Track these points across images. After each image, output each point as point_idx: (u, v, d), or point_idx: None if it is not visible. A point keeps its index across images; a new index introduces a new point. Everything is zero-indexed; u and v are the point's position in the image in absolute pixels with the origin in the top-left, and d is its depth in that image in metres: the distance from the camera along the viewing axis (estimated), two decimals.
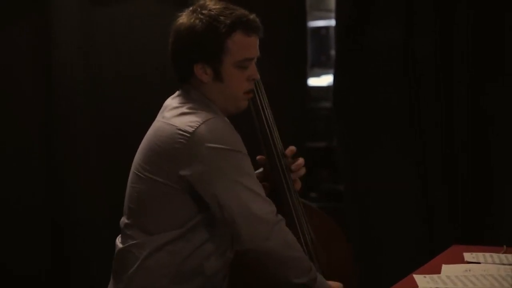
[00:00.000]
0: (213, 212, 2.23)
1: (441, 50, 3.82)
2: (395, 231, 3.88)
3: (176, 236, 2.25)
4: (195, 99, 2.28)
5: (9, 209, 3.89)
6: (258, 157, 2.53)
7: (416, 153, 3.89)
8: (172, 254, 2.26)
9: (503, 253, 2.48)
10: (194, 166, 2.18)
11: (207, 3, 2.28)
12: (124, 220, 2.35)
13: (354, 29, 3.98)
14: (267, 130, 2.48)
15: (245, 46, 2.26)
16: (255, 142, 2.48)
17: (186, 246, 2.25)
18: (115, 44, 4.00)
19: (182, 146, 2.19)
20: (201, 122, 2.20)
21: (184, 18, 2.28)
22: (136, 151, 2.35)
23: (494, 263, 2.39)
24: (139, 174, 2.29)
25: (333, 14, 4.26)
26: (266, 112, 2.49)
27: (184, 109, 2.26)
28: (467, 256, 2.45)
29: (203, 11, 2.25)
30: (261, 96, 2.49)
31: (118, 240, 2.37)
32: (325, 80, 5.11)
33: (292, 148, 2.51)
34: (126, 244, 2.31)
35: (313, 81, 5.11)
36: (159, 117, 2.33)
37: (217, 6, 2.26)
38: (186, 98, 2.30)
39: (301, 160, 2.51)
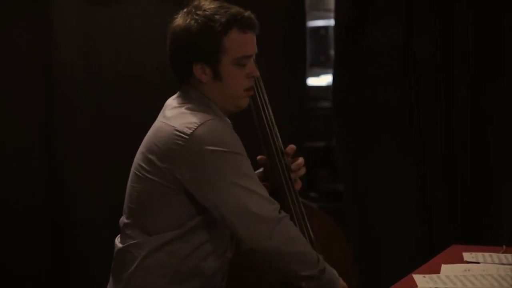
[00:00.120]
0: (212, 215, 2.23)
1: (441, 50, 3.82)
2: (394, 231, 3.88)
3: (174, 236, 2.25)
4: (195, 99, 2.29)
5: (9, 209, 3.89)
6: (259, 157, 2.53)
7: (416, 153, 3.89)
8: (170, 254, 2.26)
9: (502, 253, 2.48)
10: (191, 168, 2.18)
11: (202, 3, 2.28)
12: (123, 219, 2.36)
13: (354, 29, 3.98)
14: (267, 129, 2.47)
15: (242, 43, 2.26)
16: (255, 142, 2.48)
17: (185, 246, 2.25)
18: (115, 44, 4.00)
19: (179, 148, 2.19)
20: (200, 123, 2.19)
21: (179, 19, 2.28)
22: (136, 151, 2.35)
23: (493, 263, 2.39)
24: (138, 174, 2.29)
25: (332, 14, 4.25)
26: (266, 111, 2.49)
27: (183, 110, 2.26)
28: (467, 256, 2.45)
29: (198, 12, 2.25)
30: (261, 95, 2.48)
31: (117, 240, 2.37)
32: (324, 80, 5.11)
33: (292, 146, 2.51)
34: (125, 244, 2.31)
35: (312, 81, 5.11)
36: (159, 117, 2.33)
37: (212, 6, 2.26)
38: (186, 98, 2.30)
39: (301, 160, 2.51)
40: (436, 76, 3.84)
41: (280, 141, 2.50)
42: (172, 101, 2.33)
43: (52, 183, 3.97)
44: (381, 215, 3.92)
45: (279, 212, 2.25)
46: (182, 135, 2.19)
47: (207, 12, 2.25)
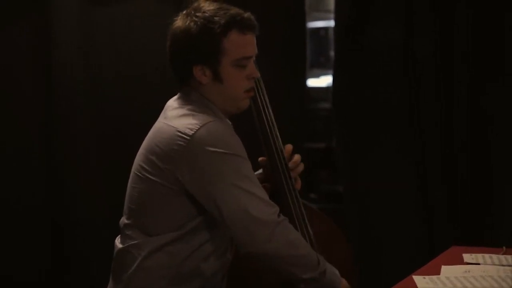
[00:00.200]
0: (212, 215, 2.23)
1: (441, 50, 3.81)
2: (394, 232, 3.88)
3: (174, 237, 2.25)
4: (195, 100, 2.28)
5: (9, 209, 3.90)
6: (260, 159, 2.53)
7: (416, 153, 3.89)
8: (170, 255, 2.26)
9: (502, 254, 2.48)
10: (192, 169, 2.18)
11: (202, 4, 2.28)
12: (123, 220, 2.36)
13: (354, 29, 3.98)
14: (268, 130, 2.47)
15: (242, 44, 2.26)
16: (255, 142, 2.48)
17: (185, 247, 2.25)
18: (115, 44, 4.00)
19: (181, 149, 2.19)
20: (201, 125, 2.20)
21: (179, 21, 2.28)
22: (136, 151, 2.35)
23: (493, 264, 2.39)
24: (139, 174, 2.29)
25: (332, 15, 4.25)
26: (267, 111, 2.48)
27: (184, 111, 2.26)
28: (467, 257, 2.45)
29: (197, 13, 2.25)
30: (262, 96, 2.48)
31: (118, 241, 2.37)
32: (324, 80, 5.11)
33: (288, 146, 2.51)
34: (126, 245, 2.31)
35: (312, 82, 5.11)
36: (160, 118, 2.34)
37: (211, 7, 2.26)
38: (187, 100, 2.30)
39: (297, 157, 2.50)
40: (436, 76, 3.84)
41: (281, 142, 2.50)
42: (172, 103, 2.34)
43: (52, 183, 3.98)
44: (381, 215, 3.92)
45: (279, 216, 2.25)
46: (184, 136, 2.19)
47: (206, 14, 2.24)
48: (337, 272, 2.33)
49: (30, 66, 3.92)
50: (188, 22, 2.25)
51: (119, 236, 2.38)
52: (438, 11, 3.80)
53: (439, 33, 3.81)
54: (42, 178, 3.97)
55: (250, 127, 2.50)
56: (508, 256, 2.44)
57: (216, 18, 2.23)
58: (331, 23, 4.85)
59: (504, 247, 2.53)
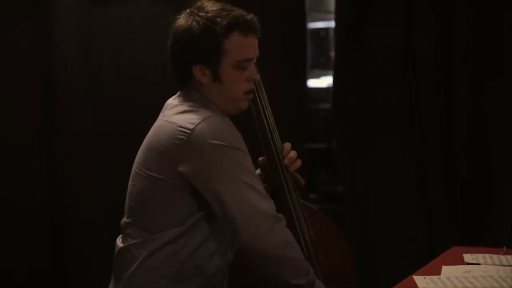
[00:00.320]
0: (213, 209, 2.23)
1: (441, 50, 3.81)
2: (394, 233, 3.88)
3: (176, 234, 2.25)
4: (195, 100, 2.29)
5: (9, 209, 3.90)
6: (259, 159, 2.53)
7: (416, 153, 3.89)
8: (172, 254, 2.26)
9: (503, 254, 2.48)
10: (194, 162, 2.18)
11: (205, 4, 2.28)
12: (124, 219, 2.36)
13: (354, 29, 3.97)
14: (268, 131, 2.48)
15: (243, 46, 2.26)
16: (255, 142, 2.48)
17: (187, 244, 2.25)
18: (115, 44, 4.00)
19: (182, 142, 2.19)
20: (202, 119, 2.20)
21: (181, 20, 2.28)
22: (136, 151, 2.35)
23: (494, 264, 2.39)
24: (139, 172, 2.30)
25: (332, 16, 4.25)
26: (266, 112, 2.49)
27: (184, 107, 2.27)
28: (467, 257, 2.45)
29: (200, 13, 2.25)
30: (261, 97, 2.49)
31: (119, 240, 2.38)
32: (324, 81, 5.11)
33: (287, 144, 2.51)
34: (126, 244, 2.32)
35: (312, 83, 5.11)
36: (160, 116, 2.34)
37: (214, 8, 2.26)
38: (186, 98, 2.30)
39: (292, 153, 2.50)
40: (436, 76, 3.83)
41: (281, 143, 2.50)
42: (172, 101, 2.34)
43: (52, 183, 3.98)
44: (381, 216, 3.92)
45: (278, 213, 2.25)
46: (185, 130, 2.19)
47: (209, 14, 2.24)
48: None
49: (30, 66, 3.92)
50: (190, 21, 2.25)
51: (121, 235, 2.38)
52: (438, 11, 3.80)
53: (439, 33, 3.81)
54: (42, 178, 3.97)
55: (250, 127, 2.50)
56: (509, 256, 2.44)
57: (218, 19, 2.23)
58: (331, 24, 4.85)
59: (504, 247, 2.54)
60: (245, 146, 2.25)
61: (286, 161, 2.48)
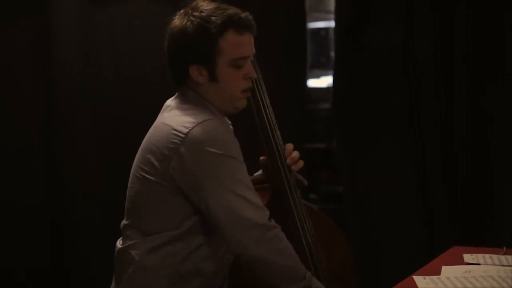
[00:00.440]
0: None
1: (441, 50, 3.81)
2: (394, 233, 3.88)
3: (172, 237, 2.24)
4: (193, 100, 2.28)
5: (9, 209, 3.90)
6: (261, 158, 2.53)
7: (416, 153, 3.89)
8: (170, 255, 2.25)
9: (502, 254, 2.48)
10: (185, 168, 2.18)
11: (199, 4, 2.28)
12: (123, 221, 2.36)
13: (354, 29, 3.97)
14: (269, 129, 2.47)
15: (238, 44, 2.26)
16: (256, 142, 2.48)
17: (184, 247, 2.25)
18: (115, 44, 4.00)
19: (175, 147, 2.18)
20: (197, 123, 2.19)
21: (176, 20, 2.28)
22: (136, 151, 2.35)
23: (493, 264, 2.39)
24: (136, 174, 2.30)
25: (332, 16, 4.25)
26: (267, 110, 2.48)
27: (181, 110, 2.26)
28: (467, 257, 2.45)
29: (194, 13, 2.25)
30: (262, 94, 2.48)
31: (119, 242, 2.38)
32: (324, 81, 5.11)
33: (289, 145, 2.50)
34: (124, 245, 2.32)
35: (312, 83, 5.11)
36: (158, 118, 2.34)
37: (209, 7, 2.25)
38: (184, 99, 2.30)
39: (295, 154, 2.49)
40: (436, 76, 3.83)
41: (282, 142, 2.49)
42: (170, 102, 2.34)
43: (52, 183, 3.98)
44: (381, 216, 3.92)
45: (270, 221, 2.23)
46: (179, 133, 2.19)
47: (203, 14, 2.24)
48: None
49: (30, 66, 3.92)
50: (185, 21, 2.25)
51: (121, 237, 2.38)
52: (438, 11, 3.80)
53: (439, 33, 3.81)
54: (42, 178, 3.97)
55: (251, 126, 2.50)
56: (509, 256, 2.44)
57: (212, 18, 2.23)
58: (331, 24, 4.86)
59: (504, 247, 2.54)
60: (240, 154, 2.23)
61: (288, 161, 2.47)
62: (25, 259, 3.92)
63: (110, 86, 4.00)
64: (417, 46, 3.85)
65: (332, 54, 4.53)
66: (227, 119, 2.38)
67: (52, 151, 3.98)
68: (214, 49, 2.23)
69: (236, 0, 2.34)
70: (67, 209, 3.98)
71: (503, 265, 2.38)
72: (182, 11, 2.29)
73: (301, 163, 2.51)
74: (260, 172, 2.56)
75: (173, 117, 2.25)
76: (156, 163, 2.22)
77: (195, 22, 2.23)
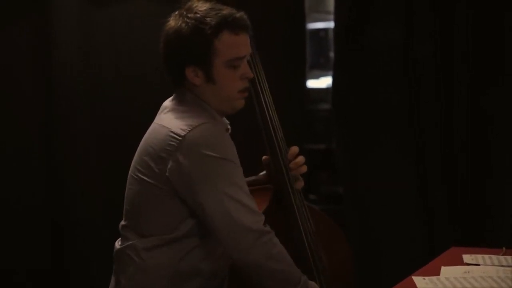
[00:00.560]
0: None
1: (441, 50, 3.81)
2: (394, 233, 3.88)
3: (169, 239, 2.24)
4: (190, 101, 2.28)
5: (9, 209, 3.90)
6: (263, 158, 2.53)
7: (416, 153, 3.89)
8: (168, 255, 2.25)
9: (502, 254, 2.48)
10: (181, 171, 2.17)
11: (194, 5, 2.27)
12: (122, 222, 2.36)
13: (354, 29, 3.97)
14: (272, 130, 2.47)
15: (234, 45, 2.25)
16: (257, 141, 2.48)
17: (181, 248, 2.25)
18: (115, 44, 4.00)
19: (172, 149, 2.18)
20: (194, 126, 2.19)
21: (172, 22, 2.27)
22: (136, 151, 2.35)
23: (493, 264, 2.39)
24: (134, 176, 2.30)
25: (332, 16, 4.25)
26: (270, 109, 2.48)
27: (178, 112, 2.26)
28: (466, 258, 2.45)
29: (189, 14, 2.24)
30: (265, 95, 2.47)
31: (117, 242, 2.38)
32: (324, 82, 5.11)
33: (294, 148, 2.50)
34: (123, 246, 2.32)
35: (312, 83, 5.11)
36: (155, 120, 2.34)
37: (203, 8, 2.25)
38: (181, 101, 2.29)
39: (300, 159, 2.48)
40: (436, 76, 3.83)
41: (285, 142, 2.49)
42: (168, 104, 2.33)
43: (52, 183, 3.98)
44: (381, 216, 3.92)
45: (265, 225, 2.23)
46: (176, 136, 2.18)
47: (198, 15, 2.23)
48: None
49: (30, 66, 3.92)
50: (180, 23, 2.24)
51: (120, 237, 2.39)
52: (438, 11, 3.80)
53: (439, 33, 3.81)
54: (42, 178, 3.97)
55: (251, 126, 2.50)
56: (508, 257, 2.44)
57: (207, 19, 2.22)
58: (330, 24, 4.85)
59: (504, 248, 2.54)
60: (236, 157, 2.23)
61: (291, 165, 2.46)
62: (25, 259, 3.92)
63: (110, 86, 3.99)
64: (417, 46, 3.85)
65: (332, 54, 4.53)
66: (225, 120, 2.38)
67: (52, 151, 3.98)
68: (210, 50, 2.23)
69: (236, 0, 2.33)
70: (67, 209, 3.98)
71: (502, 266, 2.38)
72: (176, 13, 2.28)
73: (304, 168, 2.50)
74: (264, 172, 2.56)
75: (171, 119, 2.24)
76: (152, 165, 2.22)
77: (190, 24, 2.23)
